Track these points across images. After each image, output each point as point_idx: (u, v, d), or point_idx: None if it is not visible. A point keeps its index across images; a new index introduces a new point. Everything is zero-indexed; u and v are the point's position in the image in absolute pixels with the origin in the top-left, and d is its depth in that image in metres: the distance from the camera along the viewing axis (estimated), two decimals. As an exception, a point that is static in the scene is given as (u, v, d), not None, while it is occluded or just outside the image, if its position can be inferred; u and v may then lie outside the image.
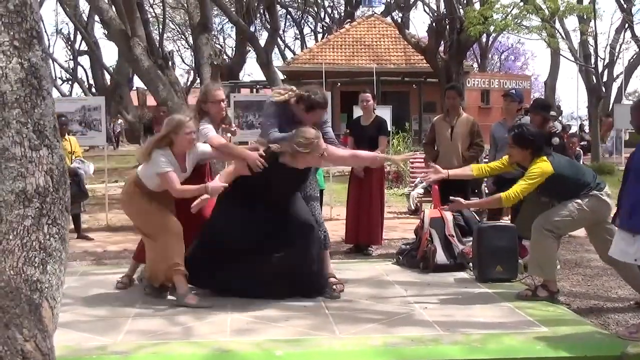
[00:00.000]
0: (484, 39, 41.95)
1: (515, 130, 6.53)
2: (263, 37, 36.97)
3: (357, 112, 9.62)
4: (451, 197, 6.61)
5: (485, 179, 10.24)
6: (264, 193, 6.30)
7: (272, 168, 6.13)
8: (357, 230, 9.02)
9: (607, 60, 30.85)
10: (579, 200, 6.23)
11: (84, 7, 39.19)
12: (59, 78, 50.13)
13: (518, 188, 6.23)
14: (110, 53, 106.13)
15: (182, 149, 6.23)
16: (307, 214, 6.50)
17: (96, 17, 32.15)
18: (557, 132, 7.98)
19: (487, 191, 10.49)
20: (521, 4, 20.16)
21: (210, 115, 6.69)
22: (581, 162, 14.19)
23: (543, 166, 6.24)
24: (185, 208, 6.27)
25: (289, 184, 6.39)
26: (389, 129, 12.92)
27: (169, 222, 6.27)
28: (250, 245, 6.32)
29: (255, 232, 6.33)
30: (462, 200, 6.60)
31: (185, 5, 24.54)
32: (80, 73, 50.42)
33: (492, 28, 21.84)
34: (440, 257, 7.67)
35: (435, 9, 25.37)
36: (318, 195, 7.04)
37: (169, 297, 6.41)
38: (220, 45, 51.15)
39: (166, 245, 6.21)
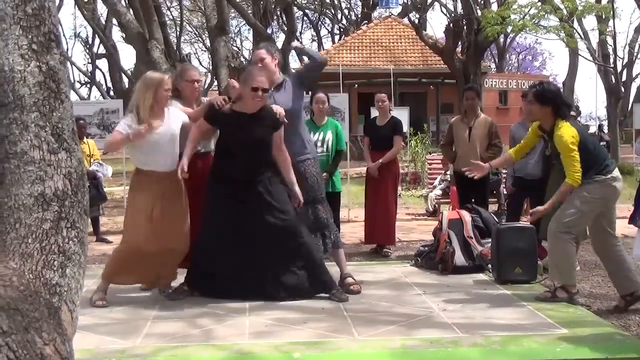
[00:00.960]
0: (501, 40, 41.82)
1: (536, 87, 6.47)
2: (280, 39, 37.07)
3: (375, 113, 9.62)
4: (531, 210, 6.44)
5: (504, 180, 10.21)
6: (235, 159, 6.31)
7: (232, 117, 6.29)
8: (375, 230, 9.02)
9: (626, 60, 30.64)
10: (584, 193, 6.14)
11: (102, 10, 39.33)
12: (78, 81, 50.49)
13: (570, 164, 6.09)
14: (128, 56, 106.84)
15: (161, 106, 6.35)
16: (288, 216, 6.40)
17: (114, 21, 32.30)
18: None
19: (505, 192, 10.46)
20: (539, 4, 20.07)
21: (185, 95, 6.73)
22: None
23: (570, 131, 6.16)
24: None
25: (251, 137, 6.27)
26: (405, 129, 12.89)
27: (138, 230, 6.29)
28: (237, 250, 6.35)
29: (240, 238, 6.35)
30: (539, 208, 6.38)
31: (203, 7, 24.61)
32: (99, 76, 50.85)
33: (509, 28, 21.77)
34: (459, 258, 7.65)
35: (453, 10, 25.30)
36: (324, 196, 6.94)
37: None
38: (238, 48, 51.32)
39: (121, 248, 6.45)
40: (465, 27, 22.48)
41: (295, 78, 6.88)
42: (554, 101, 6.26)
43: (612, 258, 6.27)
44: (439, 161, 14.29)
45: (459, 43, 23.42)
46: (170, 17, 35.91)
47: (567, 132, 6.15)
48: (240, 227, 6.29)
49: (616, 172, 6.29)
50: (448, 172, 12.79)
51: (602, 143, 24.73)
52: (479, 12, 21.92)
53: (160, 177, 6.25)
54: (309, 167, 6.77)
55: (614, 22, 22.07)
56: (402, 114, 14.96)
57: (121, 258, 6.42)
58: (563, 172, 6.29)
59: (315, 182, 6.78)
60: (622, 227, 8.97)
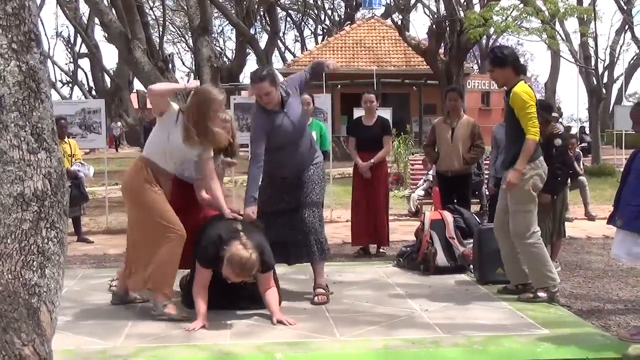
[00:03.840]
0: (484, 41, 41.96)
1: (490, 55, 6.60)
2: (263, 40, 37.13)
3: (357, 114, 9.60)
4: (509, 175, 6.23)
5: (487, 181, 10.25)
6: None
7: None
8: (364, 232, 8.98)
9: (607, 62, 30.85)
10: (524, 190, 6.22)
11: (84, 9, 39.24)
12: (59, 81, 50.30)
13: (527, 119, 6.14)
14: (110, 56, 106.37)
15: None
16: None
17: (96, 20, 32.21)
18: (560, 133, 7.97)
19: (487, 193, 10.50)
20: (521, 6, 20.17)
21: None
22: (581, 164, 14.18)
23: (525, 88, 6.27)
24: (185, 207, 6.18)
25: None
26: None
27: (177, 222, 5.89)
28: None
29: None
30: (511, 176, 6.20)
31: (185, 7, 24.59)
32: (81, 76, 50.70)
33: (492, 30, 21.86)
34: (441, 259, 7.66)
35: (436, 11, 25.39)
36: (321, 200, 6.65)
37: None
38: (220, 48, 51.34)
39: (168, 248, 5.84)
40: (448, 29, 22.57)
41: (294, 89, 6.49)
42: (511, 60, 6.39)
43: (511, 244, 6.46)
44: (422, 162, 14.31)
45: (442, 44, 23.49)
46: (153, 16, 35.83)
47: (522, 88, 6.25)
48: None
49: (541, 158, 6.40)
50: (430, 173, 12.83)
51: (583, 144, 24.93)
52: (462, 14, 22.00)
53: (166, 174, 6.00)
54: (316, 169, 6.56)
55: (595, 24, 22.19)
56: (385, 115, 14.96)
57: (177, 257, 5.95)
58: (506, 138, 6.42)
59: (312, 184, 6.50)
60: (604, 227, 9.06)
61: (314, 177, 6.50)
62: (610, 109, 35.20)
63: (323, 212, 6.74)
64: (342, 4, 49.42)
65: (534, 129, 6.13)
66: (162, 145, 5.88)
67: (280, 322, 5.69)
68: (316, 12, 51.90)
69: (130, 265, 6.08)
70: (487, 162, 10.81)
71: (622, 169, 5.99)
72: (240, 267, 5.51)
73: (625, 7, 27.21)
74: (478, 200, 11.93)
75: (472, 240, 7.57)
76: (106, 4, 16.56)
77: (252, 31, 28.55)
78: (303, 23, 54.51)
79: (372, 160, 8.77)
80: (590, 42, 24.14)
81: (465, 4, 23.86)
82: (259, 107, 6.33)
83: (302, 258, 6.56)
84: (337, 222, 11.70)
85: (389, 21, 34.37)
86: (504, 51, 6.52)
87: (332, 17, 52.27)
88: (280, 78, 6.60)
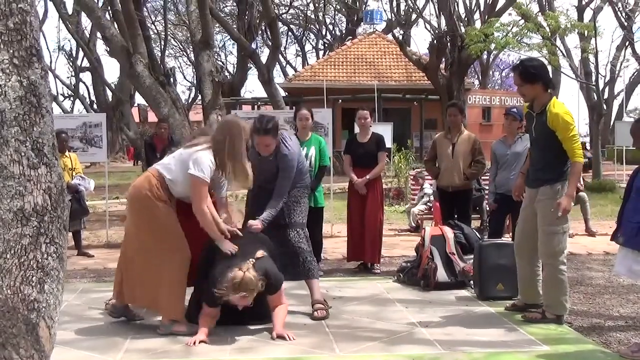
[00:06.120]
0: (484, 56, 42.07)
1: (519, 67, 6.28)
2: (264, 54, 37.18)
3: (358, 129, 9.53)
4: (561, 208, 6.02)
5: (487, 197, 10.23)
6: None
7: None
8: (359, 247, 8.93)
9: (607, 78, 30.91)
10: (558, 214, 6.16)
11: (86, 23, 39.36)
12: (61, 94, 50.46)
13: (573, 141, 6.00)
14: (112, 70, 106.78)
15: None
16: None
17: (98, 34, 32.27)
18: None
19: (488, 209, 10.48)
20: (522, 22, 20.23)
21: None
22: (581, 180, 14.17)
23: (565, 108, 6.08)
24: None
25: None
26: (388, 145, 12.92)
27: (183, 242, 5.90)
28: None
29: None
30: (563, 201, 6.02)
31: (187, 22, 24.66)
32: (82, 89, 50.88)
33: (492, 45, 21.92)
34: (441, 274, 7.64)
35: (437, 27, 25.45)
36: (303, 221, 6.73)
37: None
38: (222, 62, 51.43)
39: (174, 271, 5.83)
40: (449, 44, 22.62)
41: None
42: (542, 76, 6.16)
43: (534, 264, 6.42)
44: (413, 177, 14.27)
45: (443, 59, 23.55)
46: (155, 31, 35.93)
47: (561, 108, 6.06)
48: None
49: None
50: (425, 188, 12.85)
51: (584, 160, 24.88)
52: (463, 29, 22.08)
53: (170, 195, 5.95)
54: (298, 192, 6.69)
55: (595, 40, 22.21)
56: (386, 130, 15.00)
57: (185, 279, 5.97)
58: (537, 157, 6.27)
59: (295, 205, 6.64)
60: (604, 243, 9.05)
61: (292, 199, 6.63)
62: (611, 125, 35.24)
63: (307, 232, 6.76)
64: (344, 19, 49.59)
65: (579, 150, 6.04)
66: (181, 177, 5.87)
67: (280, 337, 5.68)
68: (317, 26, 52.05)
69: (130, 280, 6.03)
70: (487, 177, 10.81)
71: (622, 185, 5.99)
72: (233, 286, 5.51)
73: (625, 24, 27.25)
74: (478, 216, 11.92)
75: (472, 256, 7.56)
76: (108, 18, 16.64)
77: (253, 46, 28.65)
78: (304, 38, 54.66)
79: (367, 177, 8.75)
80: (591, 58, 24.17)
81: (466, 19, 23.95)
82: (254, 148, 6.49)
83: (289, 277, 6.53)
84: (337, 237, 11.68)
85: (390, 36, 34.47)
86: (535, 65, 6.25)
87: (333, 32, 52.43)
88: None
